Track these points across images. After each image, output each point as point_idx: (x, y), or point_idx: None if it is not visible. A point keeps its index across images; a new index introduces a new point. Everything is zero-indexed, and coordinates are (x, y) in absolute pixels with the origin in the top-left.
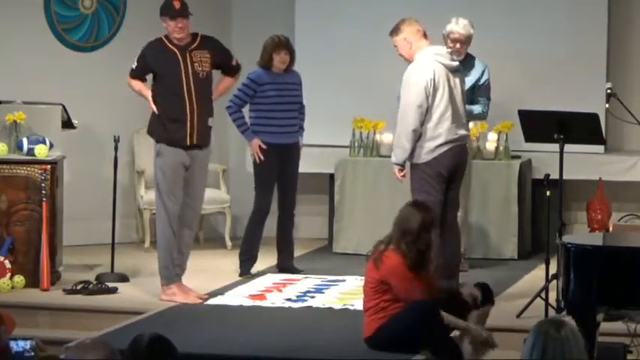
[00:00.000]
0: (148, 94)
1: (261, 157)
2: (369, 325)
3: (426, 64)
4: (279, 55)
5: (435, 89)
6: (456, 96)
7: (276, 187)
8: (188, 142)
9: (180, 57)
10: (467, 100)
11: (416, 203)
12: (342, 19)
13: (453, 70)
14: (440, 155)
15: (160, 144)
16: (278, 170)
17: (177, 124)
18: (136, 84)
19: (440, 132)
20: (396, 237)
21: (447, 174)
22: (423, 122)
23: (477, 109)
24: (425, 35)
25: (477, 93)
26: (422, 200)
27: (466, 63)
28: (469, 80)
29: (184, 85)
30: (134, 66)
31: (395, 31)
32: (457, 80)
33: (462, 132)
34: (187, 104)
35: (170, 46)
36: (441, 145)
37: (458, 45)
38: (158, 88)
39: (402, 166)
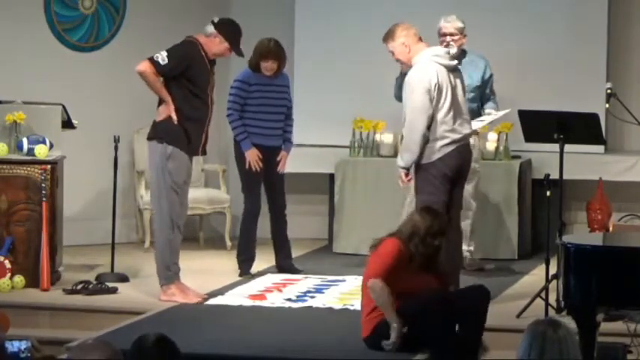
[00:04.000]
0: (168, 97)
1: (260, 166)
2: (365, 326)
3: (428, 68)
4: (267, 63)
5: (439, 91)
6: (458, 95)
7: (264, 189)
8: (200, 152)
9: (209, 67)
10: (477, 97)
11: (427, 208)
12: (342, 19)
13: (452, 70)
14: (445, 155)
15: (173, 147)
16: (264, 172)
17: (196, 131)
18: (159, 82)
19: (444, 132)
20: (404, 235)
21: (452, 174)
22: (429, 126)
23: (492, 106)
24: (420, 38)
25: (486, 89)
26: (425, 200)
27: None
28: (475, 77)
29: (209, 95)
30: (165, 62)
31: (390, 36)
32: (457, 80)
33: (466, 130)
34: (208, 114)
35: (204, 54)
36: (446, 145)
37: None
38: (181, 91)
39: (408, 170)
